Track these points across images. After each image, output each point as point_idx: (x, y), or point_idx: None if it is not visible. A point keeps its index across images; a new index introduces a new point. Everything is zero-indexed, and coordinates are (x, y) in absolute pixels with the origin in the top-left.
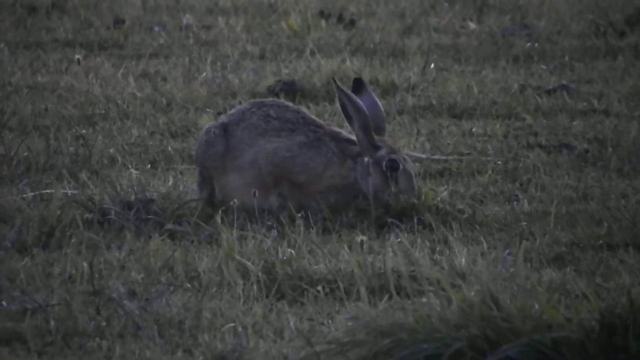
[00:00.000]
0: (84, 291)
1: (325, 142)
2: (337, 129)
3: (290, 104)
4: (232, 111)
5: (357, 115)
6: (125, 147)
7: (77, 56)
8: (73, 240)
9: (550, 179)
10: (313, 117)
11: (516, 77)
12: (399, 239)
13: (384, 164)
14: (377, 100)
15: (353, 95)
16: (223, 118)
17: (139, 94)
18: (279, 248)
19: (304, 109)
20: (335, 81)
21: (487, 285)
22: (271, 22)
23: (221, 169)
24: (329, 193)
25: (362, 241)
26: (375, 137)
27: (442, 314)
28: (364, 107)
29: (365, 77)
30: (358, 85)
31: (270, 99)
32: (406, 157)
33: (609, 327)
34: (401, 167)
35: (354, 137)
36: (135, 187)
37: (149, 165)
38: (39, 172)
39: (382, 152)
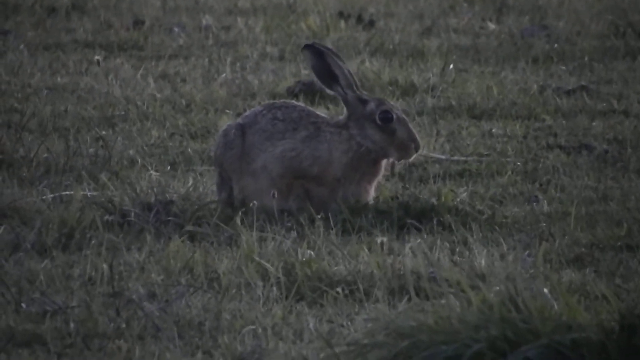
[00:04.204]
0: (104, 293)
1: (323, 129)
2: (336, 118)
3: (299, 103)
4: (248, 113)
5: (342, 74)
6: (145, 148)
7: (96, 57)
8: (93, 241)
9: (569, 179)
10: (317, 112)
11: (536, 78)
12: (419, 240)
13: (377, 117)
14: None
15: (334, 55)
16: (240, 119)
17: (158, 95)
18: (299, 249)
19: (311, 108)
20: (314, 45)
21: (506, 287)
22: (290, 22)
23: (239, 171)
24: (346, 173)
25: (381, 242)
26: (358, 91)
27: (461, 315)
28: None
29: (385, 78)
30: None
31: (282, 100)
32: (394, 104)
33: (629, 328)
34: (394, 116)
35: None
36: (155, 189)
37: (169, 167)
38: (58, 174)
39: (371, 105)
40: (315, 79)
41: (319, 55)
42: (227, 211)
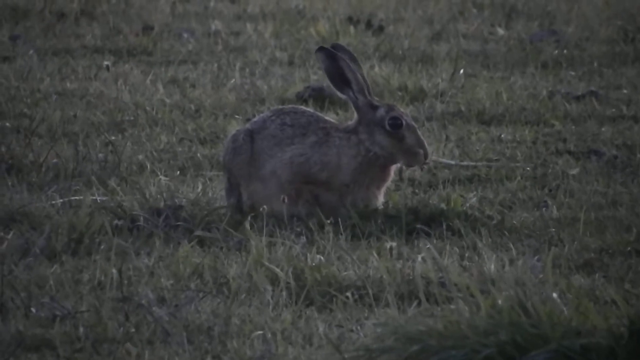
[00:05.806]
0: (113, 298)
1: (331, 134)
2: (345, 123)
3: (308, 109)
4: (256, 118)
5: (354, 78)
6: (154, 153)
7: (106, 63)
8: (102, 246)
9: (579, 185)
10: (326, 117)
11: (545, 84)
12: (428, 246)
13: (386, 123)
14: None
15: (347, 60)
16: (248, 124)
17: (167, 101)
18: (308, 254)
19: (320, 113)
20: (327, 48)
21: (516, 292)
22: (300, 28)
23: (248, 177)
24: (355, 178)
25: (391, 247)
26: (369, 97)
27: (471, 320)
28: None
29: (394, 83)
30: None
31: (291, 105)
32: (404, 111)
33: (638, 333)
34: (404, 123)
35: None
36: (164, 194)
37: (178, 172)
38: (68, 179)
39: (381, 111)
40: (326, 83)
41: (331, 59)
42: (236, 216)
